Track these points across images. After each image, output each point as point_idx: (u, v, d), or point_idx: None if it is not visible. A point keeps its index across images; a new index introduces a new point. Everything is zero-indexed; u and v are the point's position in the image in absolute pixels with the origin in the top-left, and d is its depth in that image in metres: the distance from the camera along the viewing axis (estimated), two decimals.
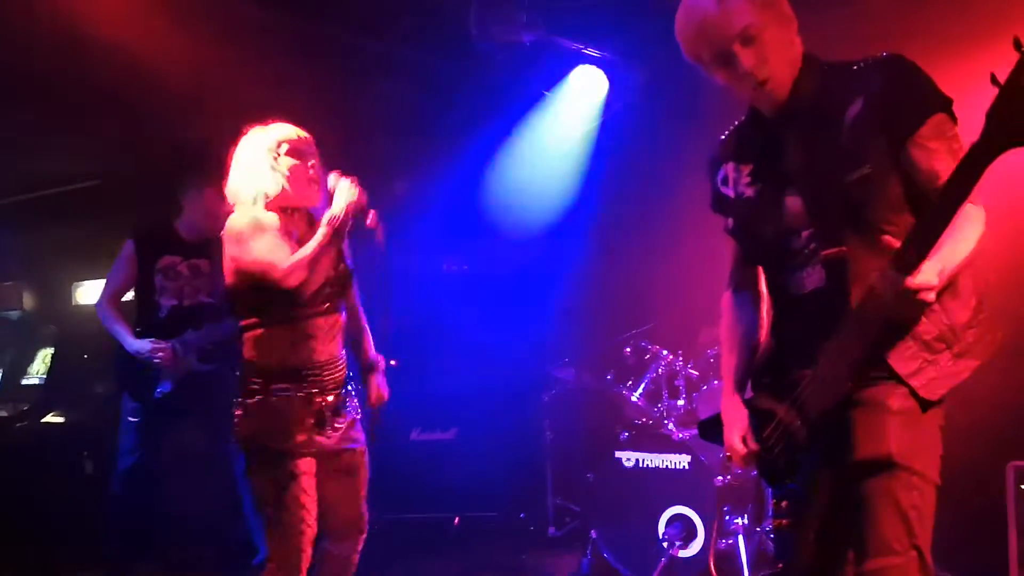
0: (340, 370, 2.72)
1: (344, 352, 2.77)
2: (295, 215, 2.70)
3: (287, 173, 2.63)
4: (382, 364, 2.98)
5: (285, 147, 2.65)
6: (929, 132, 1.78)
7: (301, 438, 2.58)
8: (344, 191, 2.65)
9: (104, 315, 4.10)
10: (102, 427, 4.70)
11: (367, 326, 3.01)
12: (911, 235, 1.62)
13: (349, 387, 2.78)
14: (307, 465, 2.59)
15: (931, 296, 1.63)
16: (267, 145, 2.65)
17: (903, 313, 1.71)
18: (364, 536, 2.86)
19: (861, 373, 1.78)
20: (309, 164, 2.68)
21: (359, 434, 2.80)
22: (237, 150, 2.71)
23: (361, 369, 2.95)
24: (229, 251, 2.61)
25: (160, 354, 3.95)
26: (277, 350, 2.60)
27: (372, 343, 3.00)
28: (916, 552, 1.79)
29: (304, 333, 2.62)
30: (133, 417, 4.04)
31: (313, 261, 2.54)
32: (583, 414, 4.47)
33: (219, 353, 4.07)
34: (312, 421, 2.61)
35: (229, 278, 2.65)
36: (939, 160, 1.76)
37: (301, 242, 2.62)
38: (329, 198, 2.67)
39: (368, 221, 2.72)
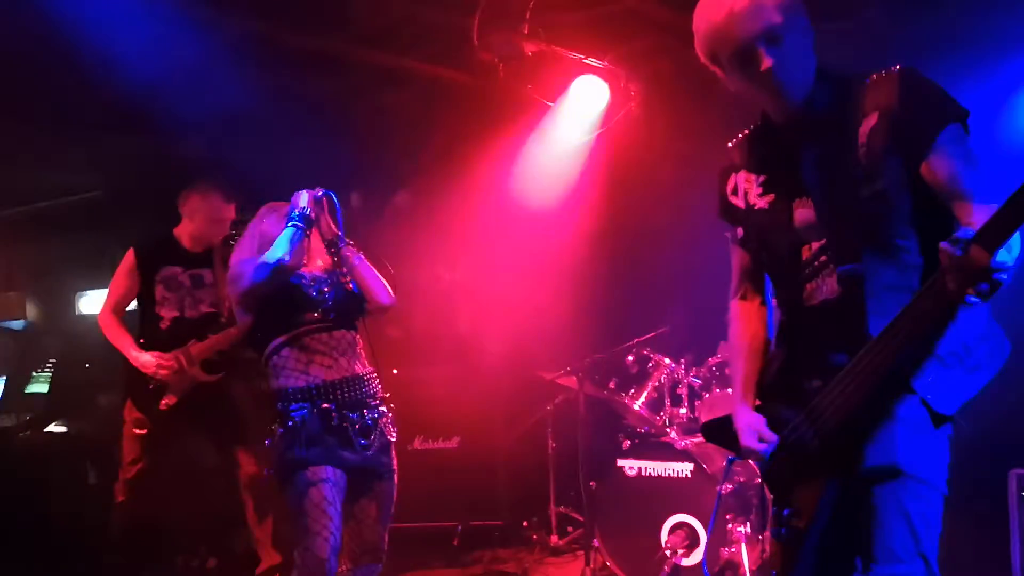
0: (360, 389, 2.77)
1: (369, 373, 2.83)
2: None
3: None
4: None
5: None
6: (947, 139, 1.78)
7: (318, 448, 2.65)
8: (300, 197, 2.87)
9: (107, 327, 4.10)
10: (105, 437, 4.71)
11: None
12: (993, 219, 1.49)
13: (382, 409, 2.83)
14: (329, 474, 2.64)
15: (1004, 276, 1.53)
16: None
17: (973, 288, 1.55)
18: (379, 567, 2.87)
19: (880, 389, 1.77)
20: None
21: (391, 460, 2.84)
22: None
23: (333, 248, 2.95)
24: (234, 285, 2.78)
25: (163, 371, 3.95)
26: (292, 374, 2.71)
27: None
28: (922, 560, 1.80)
29: (311, 350, 2.72)
30: (139, 429, 4.04)
31: (289, 240, 2.72)
32: (585, 423, 4.47)
33: (223, 363, 4.08)
34: (333, 438, 2.68)
35: (242, 309, 2.80)
36: (958, 164, 1.76)
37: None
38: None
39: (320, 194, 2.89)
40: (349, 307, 2.84)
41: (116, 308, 4.15)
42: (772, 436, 2.01)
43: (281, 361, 2.72)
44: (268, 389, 2.77)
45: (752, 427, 2.06)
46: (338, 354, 2.75)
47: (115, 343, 4.07)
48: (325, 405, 2.67)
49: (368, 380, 2.81)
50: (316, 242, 2.90)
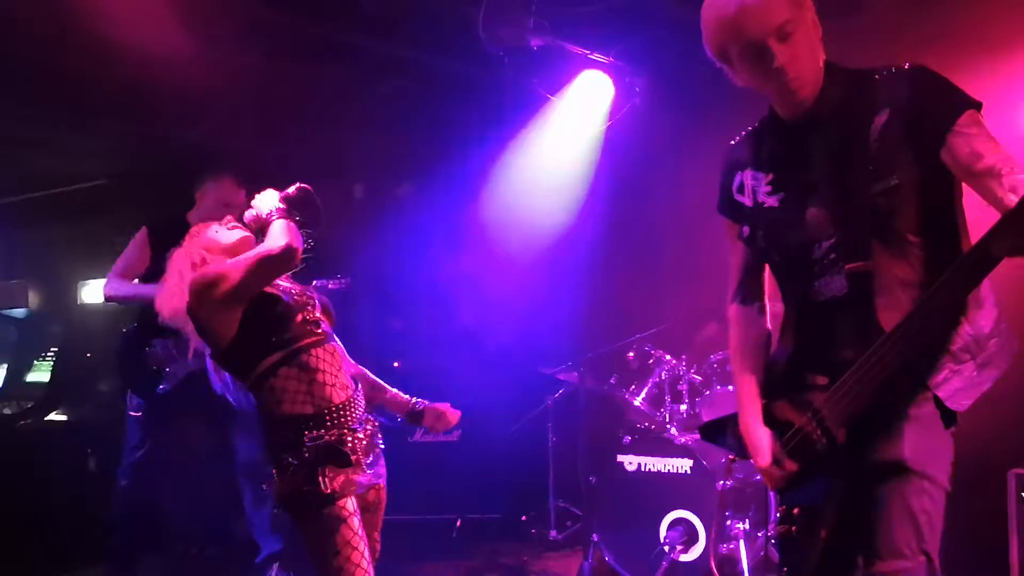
0: (360, 405, 2.64)
1: (357, 384, 2.70)
2: None
3: (206, 244, 2.70)
4: (421, 402, 2.93)
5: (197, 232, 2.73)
6: (966, 121, 1.77)
7: (341, 479, 2.48)
8: (265, 199, 2.69)
9: (116, 286, 4.03)
10: (106, 425, 4.72)
11: (375, 378, 2.93)
12: None
13: (371, 417, 2.71)
14: (352, 505, 2.50)
15: None
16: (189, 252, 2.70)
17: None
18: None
19: (890, 386, 1.76)
20: (224, 222, 2.73)
21: (383, 469, 2.73)
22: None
23: (410, 417, 2.91)
24: (213, 290, 2.47)
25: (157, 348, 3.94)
26: (298, 398, 2.52)
27: (392, 389, 2.93)
28: (925, 557, 1.80)
29: (310, 368, 2.54)
30: (134, 412, 4.06)
31: (284, 228, 2.55)
32: (586, 417, 4.47)
33: None
34: (350, 464, 2.52)
35: (225, 327, 2.51)
36: (980, 142, 1.74)
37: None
38: (262, 219, 2.70)
39: (293, 191, 2.70)
40: (330, 315, 2.73)
41: (123, 274, 4.08)
42: (792, 464, 1.98)
43: (280, 383, 2.51)
44: (272, 415, 2.53)
45: (765, 447, 2.03)
46: (336, 369, 2.60)
47: (130, 294, 4.00)
48: (337, 431, 2.51)
49: (360, 394, 2.68)
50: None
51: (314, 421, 2.50)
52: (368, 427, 2.65)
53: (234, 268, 2.48)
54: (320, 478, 2.45)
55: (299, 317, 2.59)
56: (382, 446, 2.75)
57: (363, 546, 2.47)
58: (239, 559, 4.32)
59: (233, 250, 2.66)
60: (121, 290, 4.04)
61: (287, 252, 2.49)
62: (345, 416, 2.56)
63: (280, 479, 2.50)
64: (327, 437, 2.49)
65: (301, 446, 2.48)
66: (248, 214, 2.73)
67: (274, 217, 2.61)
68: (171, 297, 2.64)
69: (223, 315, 2.50)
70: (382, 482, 2.72)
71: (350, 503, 2.49)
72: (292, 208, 2.66)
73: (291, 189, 2.70)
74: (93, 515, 4.26)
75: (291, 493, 2.48)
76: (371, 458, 2.63)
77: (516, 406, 5.20)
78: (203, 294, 2.48)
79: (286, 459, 2.48)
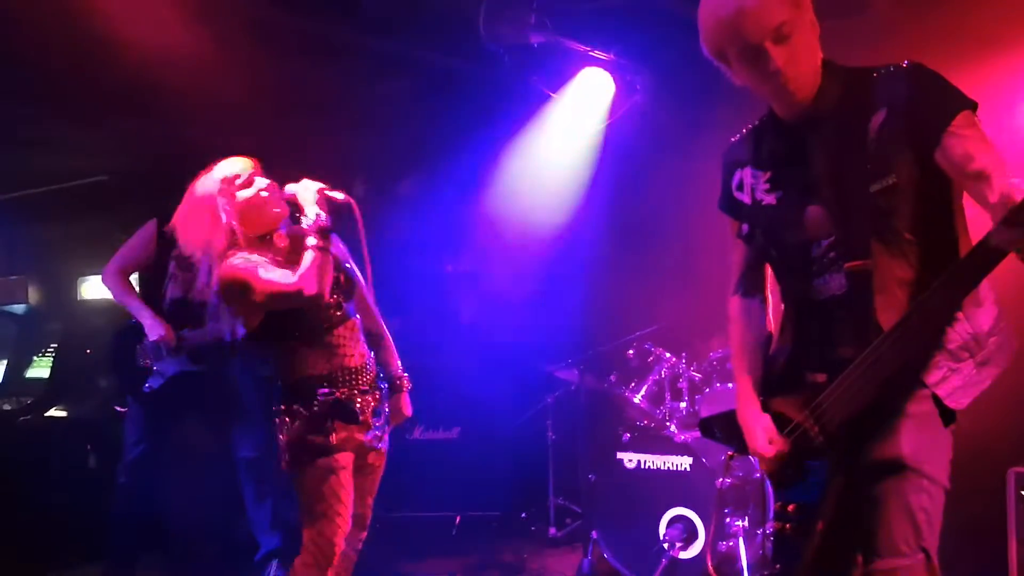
0: (372, 372, 2.81)
1: (371, 353, 2.85)
2: (266, 239, 2.73)
3: (242, 209, 2.65)
4: (407, 384, 3.02)
5: (235, 182, 2.68)
6: (961, 122, 1.77)
7: (343, 434, 2.67)
8: (308, 191, 2.68)
9: (115, 287, 4.02)
10: (105, 422, 4.72)
11: (389, 337, 3.04)
12: None
13: (383, 387, 2.86)
14: (346, 460, 2.68)
15: None
16: (213, 190, 2.66)
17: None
18: (364, 535, 2.95)
19: (889, 384, 1.77)
20: (259, 190, 2.69)
21: (387, 436, 2.89)
22: (188, 201, 2.72)
23: (388, 385, 2.97)
24: (240, 296, 2.58)
25: (162, 339, 3.92)
26: (314, 365, 2.68)
27: (397, 357, 3.04)
28: (923, 554, 1.81)
29: (332, 345, 2.70)
30: (121, 408, 4.06)
31: (318, 268, 2.58)
32: (586, 415, 4.48)
33: (210, 354, 4.03)
34: (355, 422, 2.70)
35: (248, 319, 2.66)
36: (973, 144, 1.75)
37: (280, 262, 2.66)
38: (295, 207, 2.71)
39: (339, 198, 2.70)
40: (351, 293, 2.84)
41: (123, 271, 4.07)
42: (782, 441, 2.00)
43: (300, 356, 2.69)
44: (287, 380, 2.69)
45: (760, 427, 2.05)
46: (354, 343, 2.76)
47: (124, 301, 3.99)
48: (348, 390, 2.68)
49: (373, 361, 2.84)
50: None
51: (328, 380, 2.67)
52: (377, 393, 2.80)
53: (262, 288, 2.55)
54: (321, 430, 2.63)
55: (326, 303, 2.69)
56: (387, 411, 2.89)
57: (348, 500, 2.66)
58: (238, 557, 4.32)
59: (269, 221, 2.69)
60: (116, 290, 4.04)
61: (314, 299, 2.58)
62: (356, 379, 2.72)
63: (289, 426, 2.65)
64: (337, 394, 2.66)
65: (313, 399, 2.64)
66: (289, 189, 2.71)
67: (313, 241, 2.59)
68: (196, 230, 2.65)
69: (245, 309, 2.64)
70: (384, 447, 2.86)
71: (347, 458, 2.67)
72: (332, 223, 2.65)
73: (338, 195, 2.70)
74: (93, 512, 4.26)
75: (297, 440, 2.64)
76: (380, 422, 2.80)
77: (516, 404, 5.20)
78: (227, 289, 2.60)
79: (298, 409, 2.64)
